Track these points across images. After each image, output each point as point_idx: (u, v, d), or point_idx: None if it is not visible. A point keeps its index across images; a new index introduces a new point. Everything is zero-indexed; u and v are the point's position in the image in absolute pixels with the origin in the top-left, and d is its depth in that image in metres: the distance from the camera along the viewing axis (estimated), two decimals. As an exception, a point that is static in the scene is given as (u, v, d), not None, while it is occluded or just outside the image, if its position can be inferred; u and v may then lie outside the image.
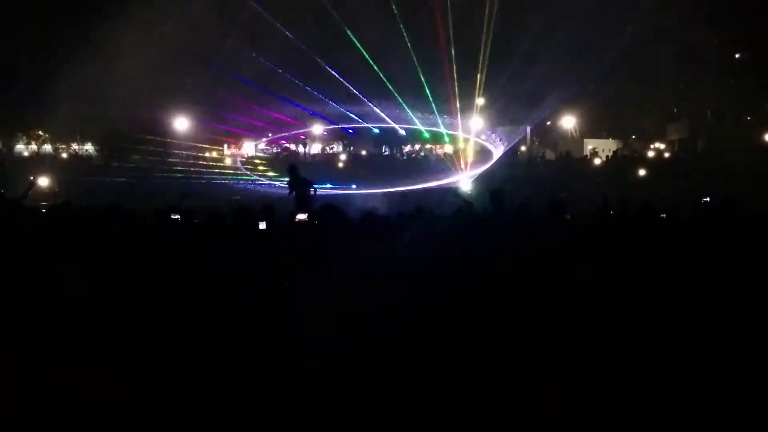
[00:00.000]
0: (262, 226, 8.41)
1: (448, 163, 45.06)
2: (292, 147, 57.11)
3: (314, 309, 5.58)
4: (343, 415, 4.65)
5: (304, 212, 11.25)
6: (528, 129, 54.32)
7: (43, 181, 26.55)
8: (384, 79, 44.14)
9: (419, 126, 49.65)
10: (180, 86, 45.28)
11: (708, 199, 10.87)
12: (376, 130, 52.62)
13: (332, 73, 43.62)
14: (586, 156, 47.18)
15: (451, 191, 27.17)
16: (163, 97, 44.90)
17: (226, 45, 43.16)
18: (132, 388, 4.87)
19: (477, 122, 55.50)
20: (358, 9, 43.84)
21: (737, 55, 47.70)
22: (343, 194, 29.80)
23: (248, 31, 44.65)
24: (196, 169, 43.85)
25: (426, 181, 34.24)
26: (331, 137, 59.91)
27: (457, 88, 47.23)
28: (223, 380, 4.98)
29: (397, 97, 45.27)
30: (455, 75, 46.54)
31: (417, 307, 5.68)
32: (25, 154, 51.58)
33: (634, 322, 5.36)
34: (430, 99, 45.95)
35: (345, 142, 59.61)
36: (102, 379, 4.91)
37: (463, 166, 43.81)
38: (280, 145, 57.83)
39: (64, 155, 52.11)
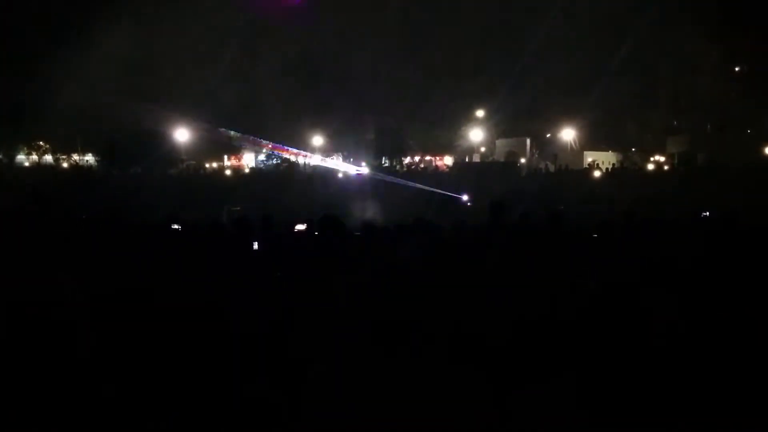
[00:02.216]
0: (255, 245, 8.29)
1: None
2: (292, 158, 57.21)
3: (313, 317, 5.58)
4: (342, 423, 4.65)
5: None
6: (528, 141, 54.52)
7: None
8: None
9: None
10: (181, 98, 45.53)
11: (708, 213, 10.88)
12: None
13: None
14: (586, 168, 47.23)
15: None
16: (165, 107, 45.17)
17: (227, 57, 43.48)
18: (131, 390, 4.87)
19: (477, 134, 55.84)
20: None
21: (737, 68, 47.90)
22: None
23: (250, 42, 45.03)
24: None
25: None
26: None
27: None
28: (221, 387, 4.98)
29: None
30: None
31: (416, 317, 5.67)
32: (26, 164, 51.71)
33: (635, 336, 5.35)
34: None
35: (344, 153, 59.79)
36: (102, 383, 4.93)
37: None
38: (280, 156, 57.93)
39: (65, 165, 52.25)
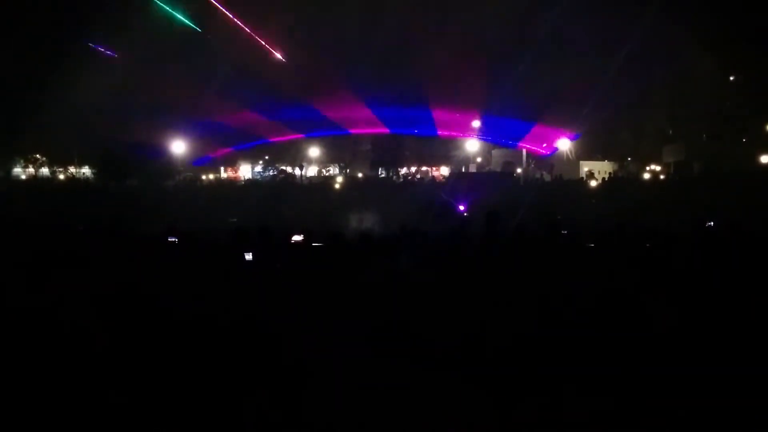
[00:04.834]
0: (248, 256, 8.29)
1: None
2: (289, 169, 57.31)
3: (311, 325, 5.59)
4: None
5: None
6: (524, 151, 54.55)
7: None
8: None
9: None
10: (177, 109, 45.58)
11: (712, 223, 10.82)
12: None
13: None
14: (582, 178, 47.26)
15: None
16: (161, 119, 45.25)
17: (222, 69, 43.57)
18: (133, 399, 4.87)
19: (473, 144, 55.87)
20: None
21: (732, 78, 48.04)
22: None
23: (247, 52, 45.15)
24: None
25: None
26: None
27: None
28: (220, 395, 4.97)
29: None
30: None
31: (415, 325, 5.68)
32: (23, 177, 51.66)
33: (634, 346, 5.35)
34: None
35: (341, 164, 60.01)
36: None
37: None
38: (276, 167, 58.08)
39: (62, 177, 52.19)
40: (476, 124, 54.85)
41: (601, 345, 5.29)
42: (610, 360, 5.11)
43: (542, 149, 51.64)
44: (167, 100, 43.40)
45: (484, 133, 54.35)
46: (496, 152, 57.83)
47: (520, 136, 52.09)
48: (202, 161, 53.36)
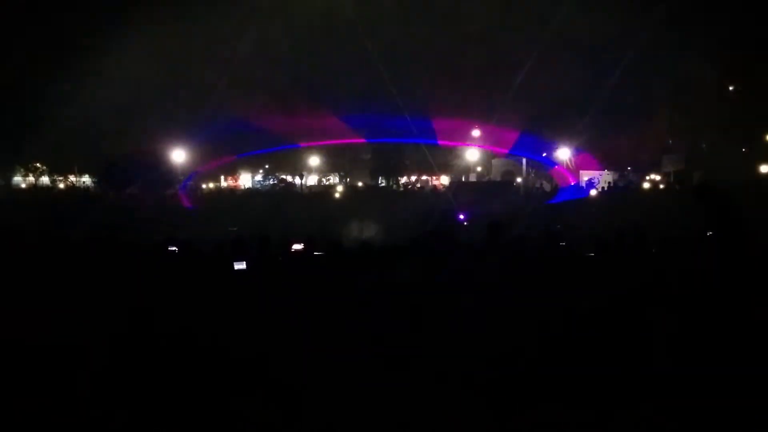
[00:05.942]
0: (241, 266, 8.20)
1: None
2: (289, 179, 57.41)
3: (310, 338, 5.59)
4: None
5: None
6: (524, 160, 54.62)
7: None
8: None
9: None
10: (177, 119, 45.67)
11: (711, 232, 10.77)
12: None
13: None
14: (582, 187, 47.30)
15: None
16: (161, 129, 45.35)
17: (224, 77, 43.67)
18: (132, 412, 4.87)
19: (473, 153, 55.92)
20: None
21: (731, 87, 48.12)
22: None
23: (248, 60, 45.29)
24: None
25: None
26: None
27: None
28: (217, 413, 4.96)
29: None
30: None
31: (415, 336, 5.68)
32: (23, 186, 51.72)
33: (634, 355, 5.35)
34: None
35: (341, 173, 60.13)
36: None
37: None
38: (276, 177, 58.19)
39: (62, 186, 52.25)
40: (476, 133, 54.95)
41: (601, 345, 5.31)
42: (610, 360, 5.12)
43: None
44: (170, 107, 43.54)
45: (485, 142, 54.45)
46: (496, 161, 57.91)
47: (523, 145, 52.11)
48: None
